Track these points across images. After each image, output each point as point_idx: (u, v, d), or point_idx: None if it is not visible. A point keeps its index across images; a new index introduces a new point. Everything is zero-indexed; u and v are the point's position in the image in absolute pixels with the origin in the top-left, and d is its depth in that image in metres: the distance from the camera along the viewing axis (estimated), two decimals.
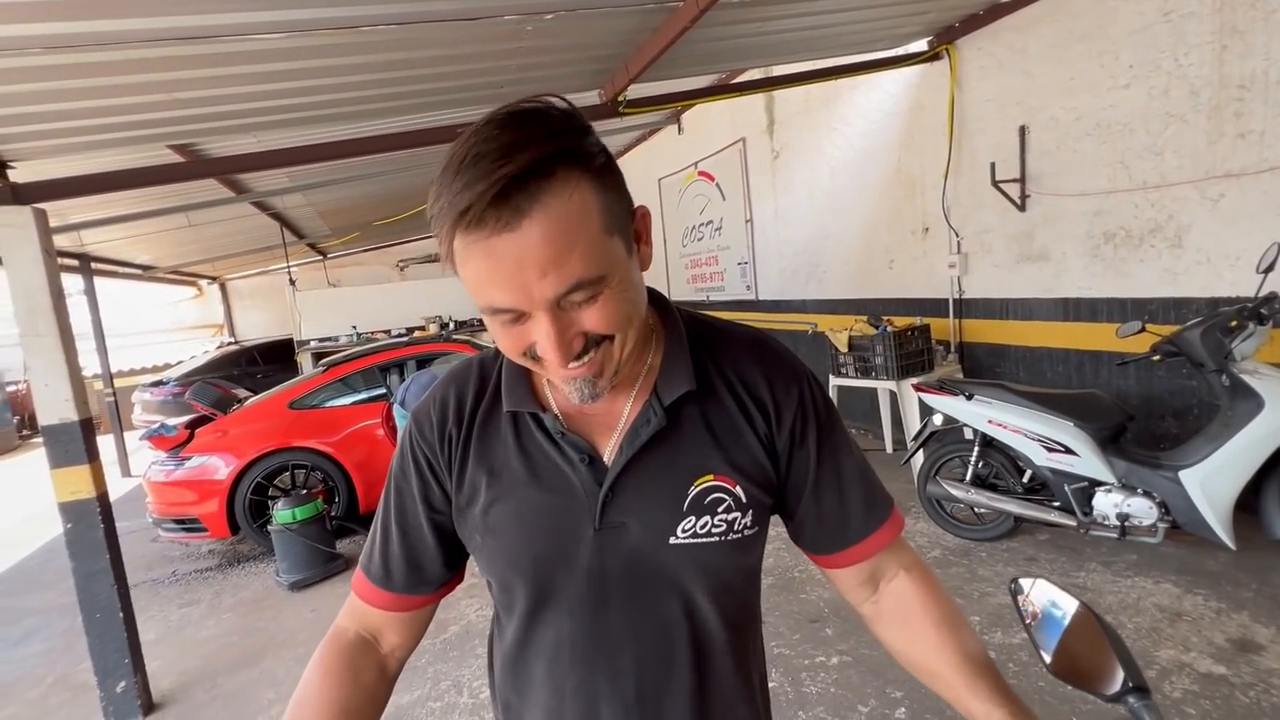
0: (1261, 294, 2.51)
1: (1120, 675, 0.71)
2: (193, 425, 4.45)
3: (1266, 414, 2.40)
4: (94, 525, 2.51)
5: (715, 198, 6.86)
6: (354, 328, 8.16)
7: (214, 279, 12.55)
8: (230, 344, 11.47)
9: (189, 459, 4.18)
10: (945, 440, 3.29)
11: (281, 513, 3.71)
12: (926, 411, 3.31)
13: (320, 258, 12.30)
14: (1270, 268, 2.44)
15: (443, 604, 2.78)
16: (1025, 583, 0.88)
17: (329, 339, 8.08)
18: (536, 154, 0.50)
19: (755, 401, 0.69)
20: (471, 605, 3.16)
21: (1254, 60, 2.78)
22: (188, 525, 4.19)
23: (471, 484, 0.69)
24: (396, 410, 4.09)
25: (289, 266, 8.65)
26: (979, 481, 3.13)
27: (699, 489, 0.66)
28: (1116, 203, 3.36)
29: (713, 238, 7.09)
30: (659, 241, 8.14)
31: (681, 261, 7.76)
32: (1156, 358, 2.71)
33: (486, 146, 0.50)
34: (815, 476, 0.71)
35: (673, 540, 0.65)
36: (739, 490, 0.67)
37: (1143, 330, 2.72)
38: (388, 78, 3.01)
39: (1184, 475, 2.55)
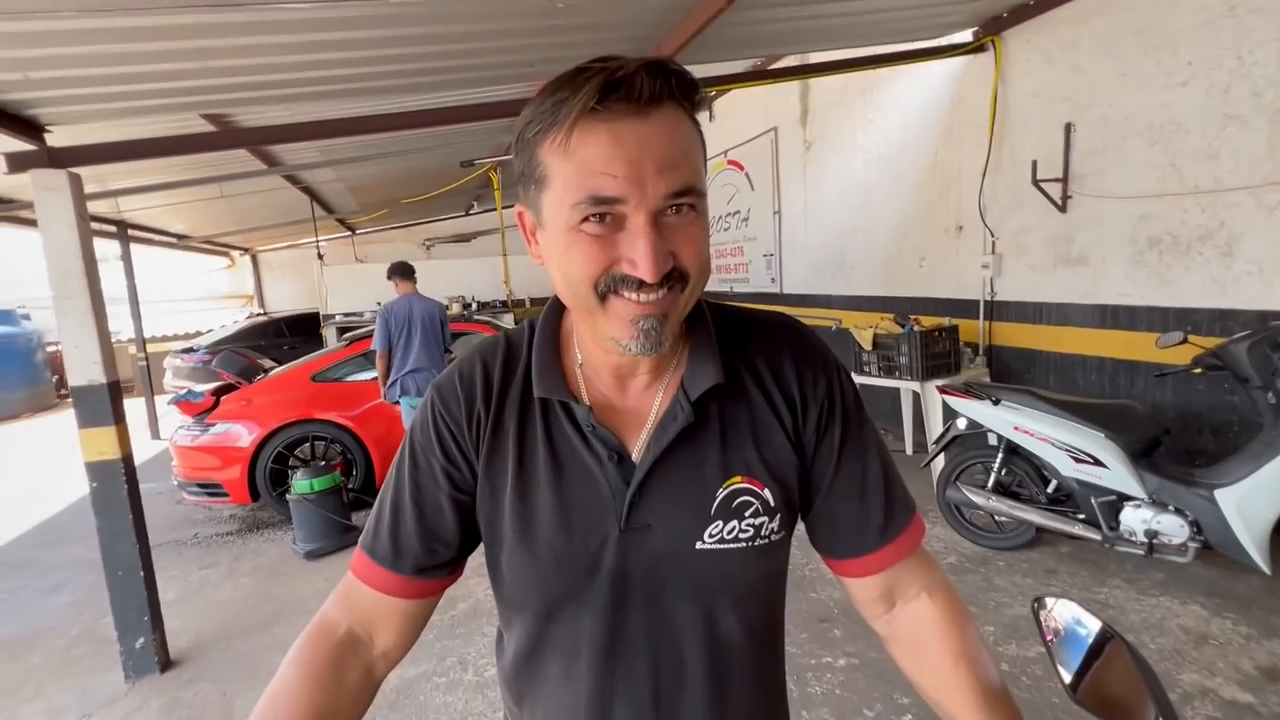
0: None
1: (1151, 711, 0.67)
2: (219, 392, 4.54)
3: None
4: (118, 485, 2.57)
5: (744, 187, 6.76)
6: (379, 303, 8.24)
7: (246, 250, 12.79)
8: (259, 315, 11.71)
9: (214, 425, 4.27)
10: (968, 445, 3.20)
11: (300, 483, 3.77)
12: (950, 414, 3.22)
13: (349, 233, 12.44)
14: None
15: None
16: (1049, 602, 0.84)
17: (354, 314, 8.18)
18: (665, 68, 0.53)
19: (784, 393, 0.67)
20: (481, 584, 3.19)
21: None
22: (211, 490, 4.29)
23: (499, 469, 0.66)
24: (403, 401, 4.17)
25: (318, 241, 8.75)
26: (1001, 489, 3.05)
27: (727, 491, 0.64)
28: (1164, 207, 3.22)
29: (739, 228, 7.00)
30: None
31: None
32: (1198, 370, 2.60)
33: (609, 58, 0.53)
34: (834, 474, 0.68)
35: (699, 545, 0.63)
36: (767, 494, 0.65)
37: (1185, 341, 2.61)
38: (419, 52, 2.99)
39: (1220, 494, 2.45)
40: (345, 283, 8.53)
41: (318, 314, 8.89)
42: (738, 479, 0.64)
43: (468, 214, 13.00)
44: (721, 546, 0.63)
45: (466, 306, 8.28)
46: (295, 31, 2.45)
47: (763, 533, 0.64)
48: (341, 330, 7.52)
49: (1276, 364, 2.38)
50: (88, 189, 2.66)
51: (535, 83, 4.69)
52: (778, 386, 0.67)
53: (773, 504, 0.65)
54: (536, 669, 0.69)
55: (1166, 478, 2.61)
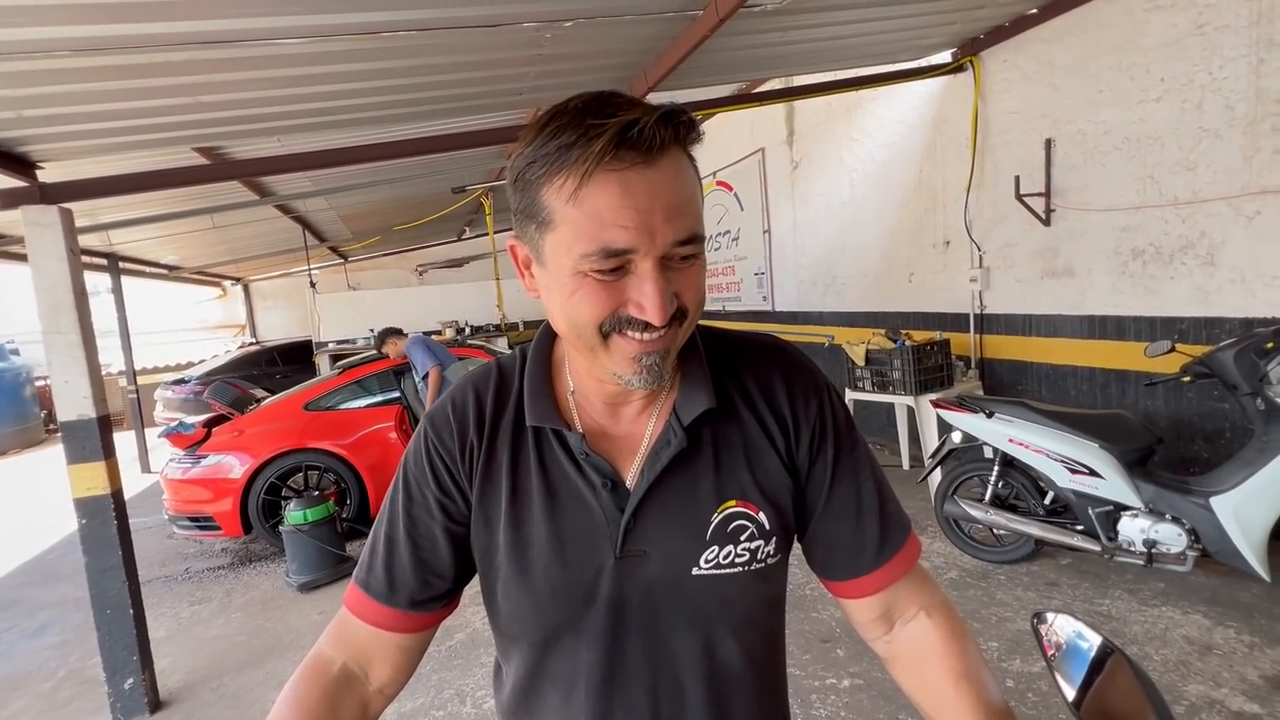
0: None
1: None
2: (210, 424, 4.50)
3: None
4: (107, 521, 2.53)
5: (733, 208, 6.84)
6: (371, 330, 8.23)
7: (238, 280, 12.78)
8: (251, 344, 11.66)
9: (205, 457, 4.23)
10: (964, 458, 3.21)
11: (294, 513, 3.72)
12: (945, 428, 3.23)
13: (341, 261, 12.46)
14: None
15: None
16: (1049, 617, 0.83)
17: (347, 341, 8.16)
18: (676, 115, 0.53)
19: (775, 415, 0.67)
20: (479, 614, 3.14)
21: None
22: (202, 523, 4.22)
23: (492, 499, 0.65)
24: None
25: (310, 269, 8.77)
26: (998, 502, 3.05)
27: (722, 515, 0.64)
28: (1146, 218, 3.28)
29: (730, 248, 7.06)
30: None
31: None
32: (1187, 379, 2.62)
33: (608, 97, 0.53)
34: (829, 495, 0.68)
35: (695, 571, 0.63)
36: (762, 517, 0.64)
37: (1172, 350, 2.64)
38: (409, 83, 3.04)
39: (1215, 502, 2.45)
40: (338, 310, 8.52)
41: (310, 342, 8.86)
42: (732, 503, 0.64)
43: (460, 239, 13.08)
44: (718, 572, 0.63)
45: (460, 331, 8.28)
46: (285, 66, 2.49)
47: (759, 556, 0.64)
48: (335, 358, 7.49)
49: (1263, 370, 2.41)
50: (79, 223, 2.66)
51: (525, 111, 4.77)
52: (769, 408, 0.67)
53: (768, 527, 0.65)
54: (534, 700, 0.68)
55: (1162, 486, 2.62)
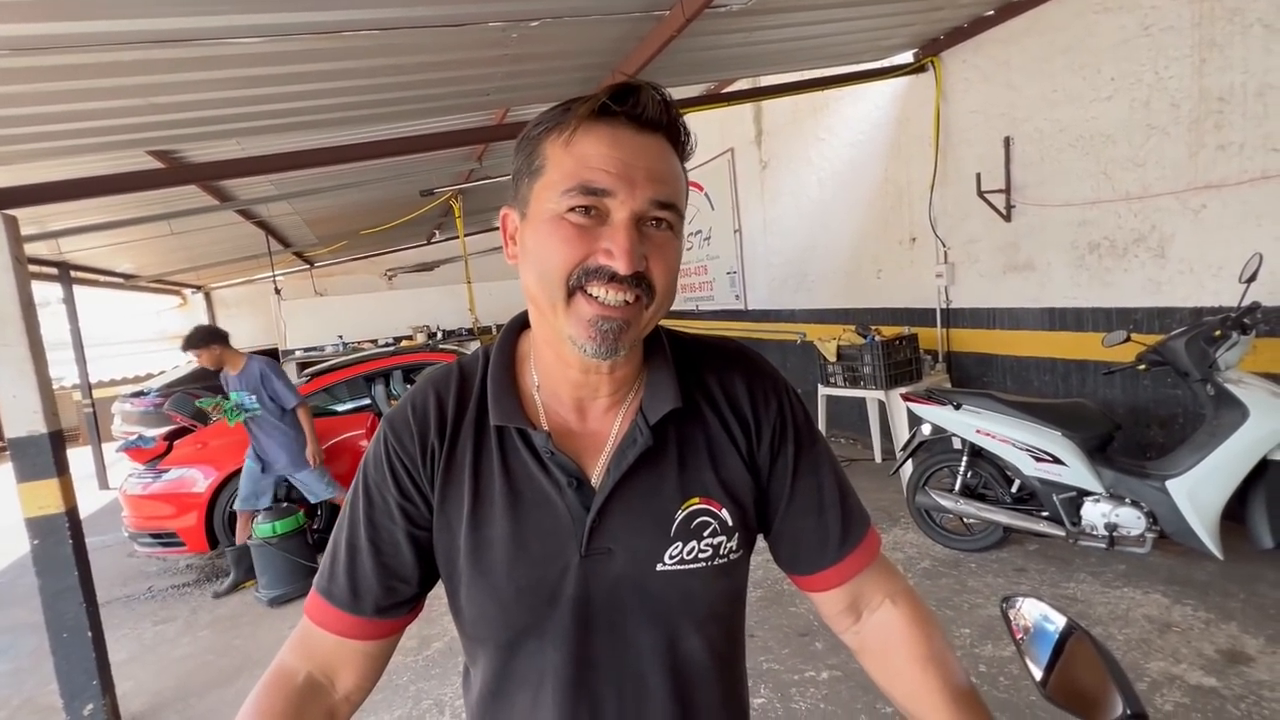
0: (1244, 304, 2.53)
1: (1118, 702, 0.68)
2: (171, 437, 4.35)
3: (1251, 423, 2.41)
4: (62, 541, 2.43)
5: (704, 207, 6.87)
6: (340, 337, 8.08)
7: (198, 288, 12.40)
8: None
9: (167, 471, 4.09)
10: (934, 450, 3.28)
11: (261, 526, 3.62)
12: (915, 421, 3.30)
13: (307, 266, 12.18)
14: (1253, 278, 2.46)
15: (425, 619, 2.69)
16: (1017, 601, 0.86)
17: (315, 349, 7.99)
18: (677, 119, 0.60)
19: (737, 416, 0.68)
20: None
21: (1232, 74, 2.81)
22: (165, 540, 4.08)
23: (454, 502, 0.65)
24: None
25: (274, 275, 8.55)
26: (968, 491, 3.12)
27: (686, 512, 0.65)
28: (1100, 213, 3.39)
29: (701, 247, 7.10)
30: None
31: None
32: (1142, 367, 2.72)
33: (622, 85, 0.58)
34: (791, 492, 0.70)
35: (660, 567, 0.64)
36: (724, 514, 0.66)
37: (1128, 340, 2.73)
38: (373, 84, 2.99)
39: (1171, 485, 2.55)
40: (304, 317, 8.34)
41: (277, 350, 8.64)
42: (696, 500, 0.65)
43: (429, 242, 12.87)
44: (682, 567, 0.64)
45: (432, 336, 8.16)
46: (242, 66, 2.42)
47: (721, 552, 0.65)
48: (302, 366, 7.32)
49: (1212, 357, 2.51)
50: (24, 230, 2.55)
51: (494, 112, 4.72)
52: (731, 409, 0.68)
53: (730, 524, 0.66)
54: (502, 703, 0.67)
55: (1121, 471, 2.71)
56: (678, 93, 4.34)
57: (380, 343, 8.00)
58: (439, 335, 8.28)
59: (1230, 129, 2.85)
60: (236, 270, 10.72)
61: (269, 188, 5.93)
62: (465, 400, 0.67)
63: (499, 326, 8.64)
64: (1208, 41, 2.87)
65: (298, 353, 7.93)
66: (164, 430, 4.54)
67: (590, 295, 0.57)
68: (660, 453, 0.65)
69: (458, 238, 8.47)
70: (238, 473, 4.11)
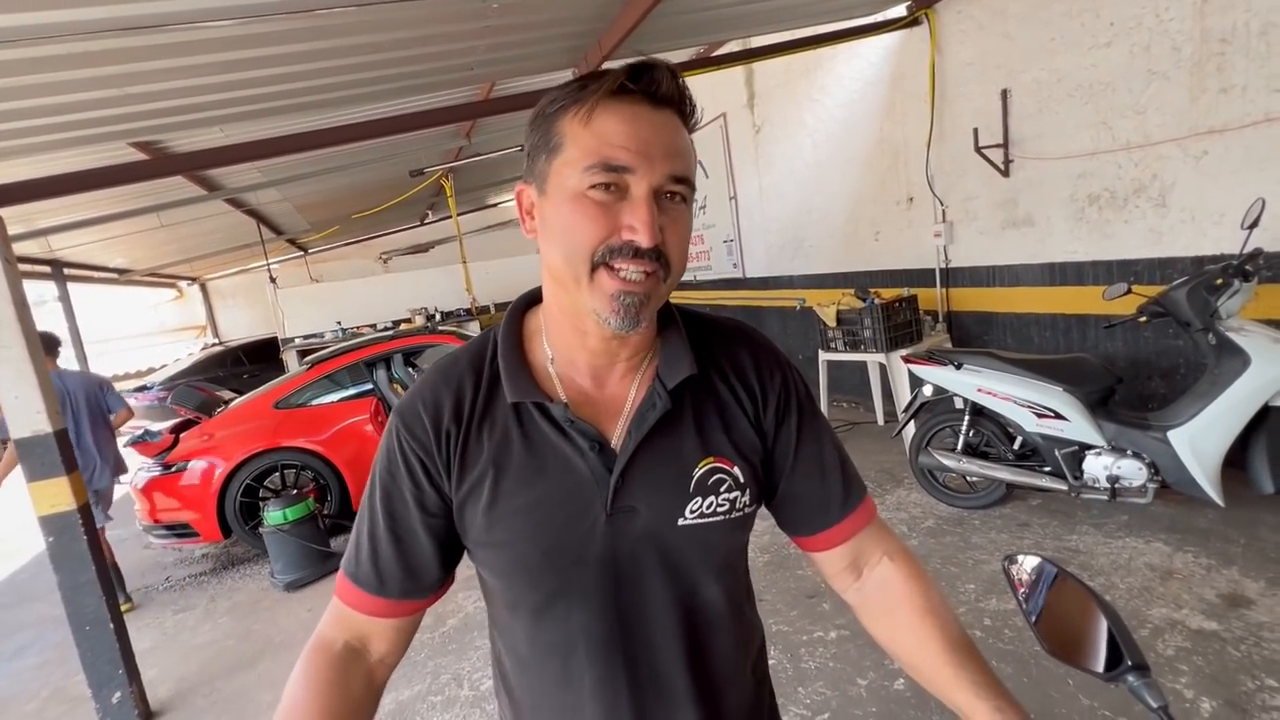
0: (1246, 250, 2.50)
1: (1120, 654, 0.70)
2: (177, 430, 4.38)
3: (1253, 370, 2.40)
4: (77, 537, 2.46)
5: (699, 176, 6.77)
6: (338, 323, 8.05)
7: (194, 280, 12.35)
8: (214, 345, 11.31)
9: (175, 464, 4.12)
10: (936, 410, 3.28)
11: (272, 514, 3.67)
12: (916, 383, 3.30)
13: (301, 253, 12.11)
14: (1255, 223, 2.43)
15: (444, 599, 2.75)
16: (1020, 558, 0.87)
17: (314, 335, 7.97)
18: (685, 96, 0.62)
19: (744, 386, 0.72)
20: (470, 597, 3.15)
21: (1235, 13, 2.73)
22: (179, 531, 4.13)
23: (473, 482, 0.67)
24: None
25: (269, 264, 8.50)
26: (970, 450, 3.14)
27: (703, 470, 0.68)
28: (1100, 164, 3.33)
29: (698, 216, 7.02)
30: None
31: None
32: (1143, 319, 2.71)
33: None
34: (795, 457, 0.74)
35: (681, 521, 0.67)
36: (737, 471, 0.70)
37: (1129, 292, 2.71)
38: (354, 63, 2.91)
39: (1172, 435, 2.56)
40: (301, 304, 8.30)
41: (276, 339, 8.63)
42: (711, 459, 0.69)
43: (423, 224, 12.78)
44: (702, 521, 0.68)
45: (430, 318, 8.14)
46: (219, 50, 2.36)
47: (736, 506, 0.69)
48: (302, 354, 7.32)
49: (1214, 306, 2.49)
50: (12, 230, 2.52)
51: (479, 87, 4.61)
52: (739, 380, 0.72)
53: (742, 480, 0.70)
54: (536, 671, 0.70)
55: (1123, 424, 2.72)
56: (666, 57, 4.23)
57: (379, 327, 7.98)
58: (437, 317, 8.25)
59: (1232, 71, 2.78)
60: (231, 260, 10.67)
61: (256, 175, 5.86)
62: (476, 383, 0.69)
63: (497, 306, 8.64)
64: None
65: (297, 340, 7.92)
66: (170, 423, 4.57)
67: (614, 270, 0.59)
68: (677, 416, 0.68)
69: (451, 217, 8.39)
70: (247, 461, 4.16)
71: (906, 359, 3.30)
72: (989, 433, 3.11)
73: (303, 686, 0.65)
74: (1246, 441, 2.48)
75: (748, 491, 0.70)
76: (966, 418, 3.10)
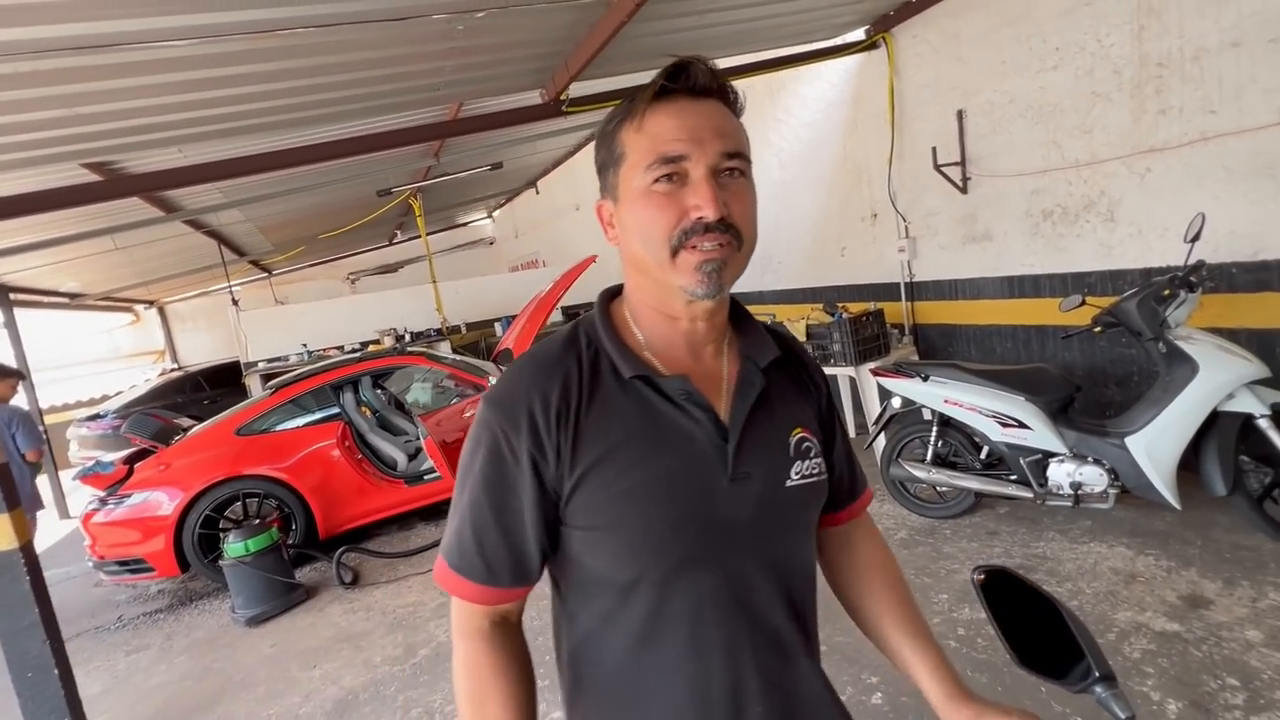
0: (1190, 262, 2.62)
1: (1088, 665, 0.70)
2: (131, 460, 4.20)
3: (1201, 377, 2.50)
4: (18, 579, 2.32)
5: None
6: (304, 345, 7.85)
7: (151, 303, 11.96)
8: (173, 370, 10.92)
9: (130, 496, 3.94)
10: (905, 422, 3.34)
11: (233, 545, 3.52)
12: (885, 395, 3.35)
13: (265, 275, 11.84)
14: (1196, 237, 2.55)
15: (410, 625, 2.68)
16: (989, 570, 0.88)
17: (278, 359, 7.74)
18: (725, 83, 0.69)
19: (806, 375, 0.84)
20: (442, 626, 3.07)
21: (1169, 39, 2.89)
22: (133, 566, 3.94)
23: (590, 463, 0.68)
24: None
25: (230, 286, 8.28)
26: (939, 460, 3.19)
27: (795, 439, 0.76)
28: (1051, 181, 3.47)
29: None
30: None
31: None
32: (1098, 329, 2.80)
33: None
34: (831, 444, 0.85)
35: (788, 484, 0.74)
36: (815, 440, 0.79)
37: (1083, 304, 2.81)
38: (318, 83, 2.89)
39: (1129, 441, 2.64)
40: (265, 327, 8.06)
41: (238, 363, 8.38)
42: (799, 429, 0.77)
43: (391, 243, 12.63)
44: (803, 482, 0.75)
45: (399, 339, 8.00)
46: (176, 70, 2.32)
47: (820, 470, 0.78)
48: (266, 378, 7.11)
49: (1163, 316, 2.60)
50: None
51: (448, 107, 4.61)
52: (800, 370, 0.83)
53: (820, 449, 0.79)
54: (654, 652, 0.71)
55: (1083, 431, 2.80)
56: (635, 79, 4.28)
57: (346, 349, 7.81)
58: (407, 338, 8.11)
59: (1169, 93, 2.94)
60: (190, 283, 10.36)
61: (218, 195, 5.73)
62: (579, 368, 0.72)
63: (468, 325, 8.53)
64: (1145, 8, 2.94)
65: (260, 365, 7.69)
66: (124, 454, 4.38)
67: (691, 248, 0.65)
68: (768, 392, 0.76)
69: (420, 237, 8.30)
70: (207, 491, 4.00)
71: (875, 372, 3.36)
72: (956, 443, 3.17)
73: (488, 671, 0.70)
74: (1198, 445, 2.57)
75: (822, 459, 0.78)
76: (934, 428, 3.16)
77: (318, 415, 4.73)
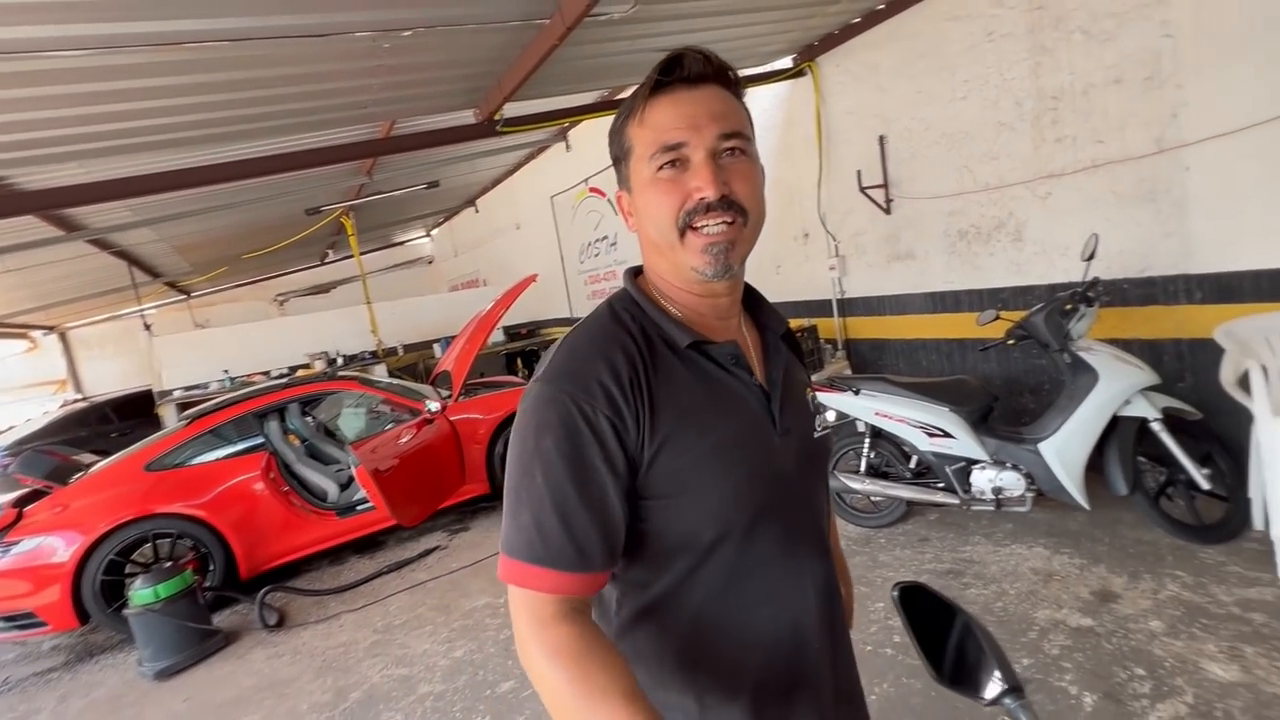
0: (1087, 279, 2.83)
1: (998, 679, 0.73)
2: (22, 502, 3.81)
3: (1101, 386, 2.70)
4: None
5: (608, 213, 6.89)
6: (225, 372, 7.40)
7: (51, 329, 11.02)
8: (76, 401, 10.07)
9: (17, 543, 3.57)
10: (841, 434, 3.44)
11: (140, 592, 3.24)
12: (820, 409, 3.44)
13: (183, 297, 11.14)
14: (1092, 255, 2.76)
15: (340, 667, 2.53)
16: (908, 588, 0.90)
17: (197, 387, 7.27)
18: (722, 65, 0.73)
19: (796, 345, 0.92)
20: (376, 665, 2.91)
21: (1062, 74, 3.15)
22: (20, 622, 3.56)
23: (668, 430, 0.70)
24: None
25: (143, 310, 7.73)
26: (873, 471, 3.30)
27: (810, 396, 0.88)
28: (965, 203, 3.70)
29: (609, 253, 7.12)
30: (556, 259, 8.05)
31: (580, 278, 7.72)
32: (1011, 342, 2.98)
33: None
34: None
35: (816, 435, 0.84)
36: (820, 399, 0.91)
37: (998, 318, 2.99)
38: (234, 98, 2.76)
39: (1042, 447, 2.81)
40: (182, 353, 7.56)
41: (151, 392, 7.81)
42: (809, 389, 0.89)
43: (323, 263, 12.15)
44: (824, 433, 0.87)
45: (331, 363, 7.66)
46: (73, 81, 2.16)
47: (829, 424, 0.89)
48: (183, 407, 6.65)
49: (1066, 329, 2.79)
50: None
51: (379, 125, 4.49)
52: (793, 342, 0.91)
53: (823, 406, 0.93)
54: (743, 594, 0.76)
55: (1001, 439, 2.96)
56: (572, 100, 4.31)
57: (273, 374, 7.41)
58: (339, 361, 7.78)
59: (1064, 124, 3.19)
60: (96, 306, 9.63)
61: (127, 214, 5.37)
62: (636, 341, 0.74)
63: (405, 347, 8.27)
64: (1040, 47, 3.20)
65: (176, 393, 7.19)
66: (12, 496, 3.97)
67: (697, 230, 0.70)
68: (787, 357, 0.85)
69: (353, 256, 8.02)
70: (111, 533, 3.67)
71: (809, 386, 3.45)
72: (888, 453, 3.28)
73: (593, 647, 0.66)
74: (1102, 449, 2.76)
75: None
76: (867, 440, 3.27)
77: (240, 446, 4.44)
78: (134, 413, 8.28)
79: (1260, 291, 2.70)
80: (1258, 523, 2.64)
